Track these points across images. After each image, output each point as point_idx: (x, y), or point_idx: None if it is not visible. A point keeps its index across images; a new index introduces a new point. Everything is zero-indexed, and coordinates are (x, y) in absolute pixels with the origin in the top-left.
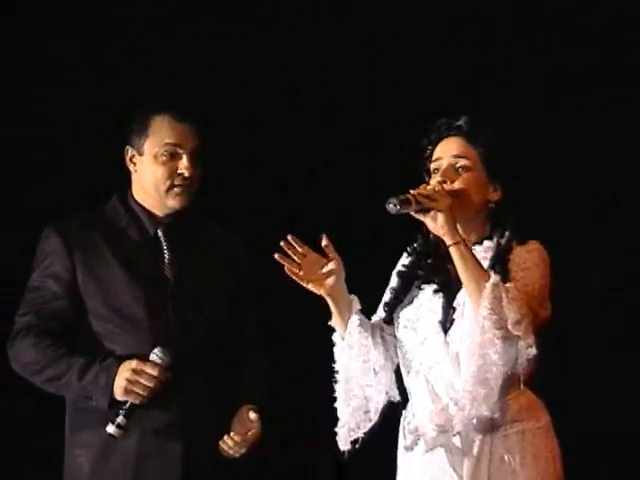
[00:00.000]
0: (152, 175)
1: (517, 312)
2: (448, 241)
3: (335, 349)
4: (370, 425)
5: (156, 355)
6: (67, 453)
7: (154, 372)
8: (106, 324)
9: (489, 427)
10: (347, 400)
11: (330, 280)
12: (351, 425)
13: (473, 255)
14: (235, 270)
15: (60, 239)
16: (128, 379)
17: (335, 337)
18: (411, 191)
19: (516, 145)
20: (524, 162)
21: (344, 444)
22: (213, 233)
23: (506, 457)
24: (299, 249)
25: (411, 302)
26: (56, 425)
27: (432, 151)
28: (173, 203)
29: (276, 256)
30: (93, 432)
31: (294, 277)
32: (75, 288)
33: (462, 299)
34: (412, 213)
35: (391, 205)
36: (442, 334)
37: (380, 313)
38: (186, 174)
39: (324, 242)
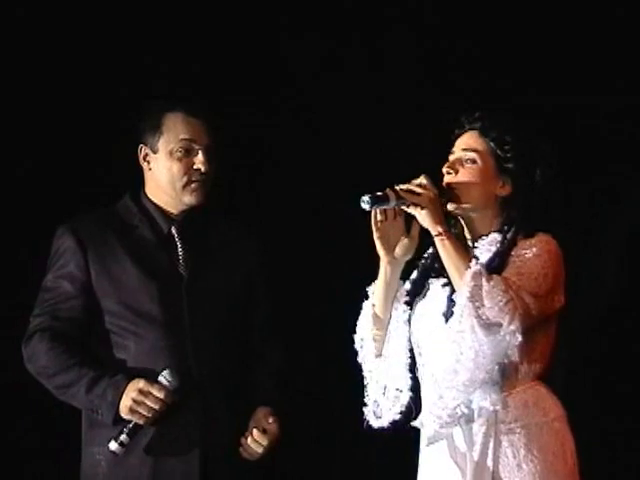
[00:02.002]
0: (168, 172)
1: (499, 299)
2: (432, 233)
3: (365, 315)
4: (394, 409)
5: (164, 378)
6: (84, 451)
7: (160, 395)
8: (120, 322)
9: (492, 421)
10: (375, 373)
11: (398, 250)
12: (378, 401)
13: (457, 246)
14: (249, 266)
15: (74, 238)
16: (134, 399)
17: (367, 305)
18: (395, 187)
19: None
20: (541, 159)
21: (371, 420)
22: (227, 229)
23: (510, 451)
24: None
25: (425, 294)
26: (73, 423)
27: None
28: (190, 199)
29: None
30: (110, 430)
31: (373, 224)
32: (89, 286)
33: None
34: (405, 208)
35: (363, 203)
36: (444, 325)
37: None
38: (203, 169)
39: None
